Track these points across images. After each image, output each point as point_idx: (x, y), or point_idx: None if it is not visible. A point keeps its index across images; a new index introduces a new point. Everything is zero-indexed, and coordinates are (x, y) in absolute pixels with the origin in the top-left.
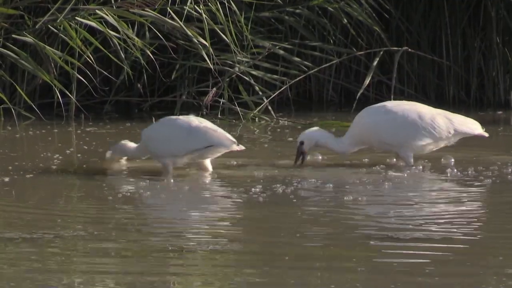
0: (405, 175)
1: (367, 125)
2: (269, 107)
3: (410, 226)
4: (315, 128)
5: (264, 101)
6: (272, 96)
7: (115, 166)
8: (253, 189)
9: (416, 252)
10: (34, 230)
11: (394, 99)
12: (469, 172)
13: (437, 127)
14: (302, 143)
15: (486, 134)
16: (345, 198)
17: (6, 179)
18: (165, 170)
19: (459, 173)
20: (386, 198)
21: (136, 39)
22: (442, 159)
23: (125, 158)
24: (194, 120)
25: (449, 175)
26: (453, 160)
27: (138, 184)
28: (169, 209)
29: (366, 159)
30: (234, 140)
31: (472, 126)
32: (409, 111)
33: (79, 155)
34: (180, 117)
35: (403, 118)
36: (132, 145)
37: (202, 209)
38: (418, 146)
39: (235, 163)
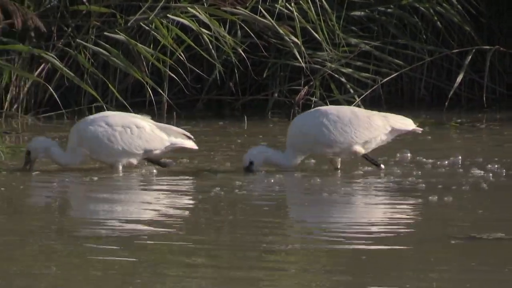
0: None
1: (307, 131)
2: (361, 106)
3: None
4: (259, 146)
5: (356, 99)
6: (364, 95)
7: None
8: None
9: None
10: (120, 229)
11: (486, 98)
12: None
13: (375, 124)
14: (251, 163)
15: (420, 130)
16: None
17: (95, 178)
18: (115, 171)
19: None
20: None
21: (228, 37)
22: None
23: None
24: (140, 119)
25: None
26: (497, 165)
27: (212, 183)
28: (266, 206)
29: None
30: (190, 135)
31: (405, 122)
32: (344, 111)
33: (171, 154)
34: (124, 114)
35: (340, 119)
36: (59, 151)
37: (283, 209)
38: (359, 144)
39: (312, 161)
